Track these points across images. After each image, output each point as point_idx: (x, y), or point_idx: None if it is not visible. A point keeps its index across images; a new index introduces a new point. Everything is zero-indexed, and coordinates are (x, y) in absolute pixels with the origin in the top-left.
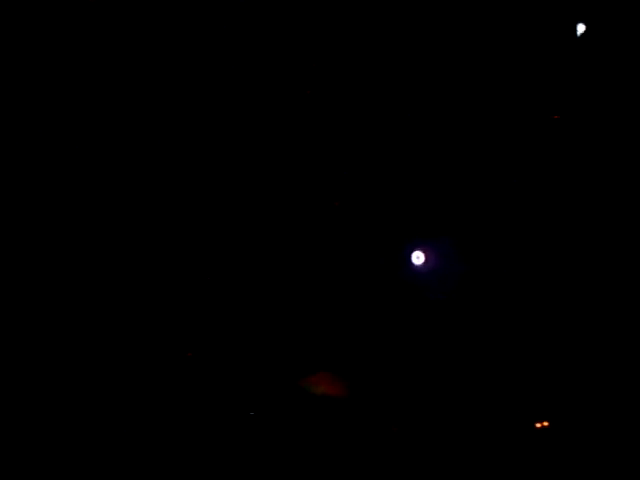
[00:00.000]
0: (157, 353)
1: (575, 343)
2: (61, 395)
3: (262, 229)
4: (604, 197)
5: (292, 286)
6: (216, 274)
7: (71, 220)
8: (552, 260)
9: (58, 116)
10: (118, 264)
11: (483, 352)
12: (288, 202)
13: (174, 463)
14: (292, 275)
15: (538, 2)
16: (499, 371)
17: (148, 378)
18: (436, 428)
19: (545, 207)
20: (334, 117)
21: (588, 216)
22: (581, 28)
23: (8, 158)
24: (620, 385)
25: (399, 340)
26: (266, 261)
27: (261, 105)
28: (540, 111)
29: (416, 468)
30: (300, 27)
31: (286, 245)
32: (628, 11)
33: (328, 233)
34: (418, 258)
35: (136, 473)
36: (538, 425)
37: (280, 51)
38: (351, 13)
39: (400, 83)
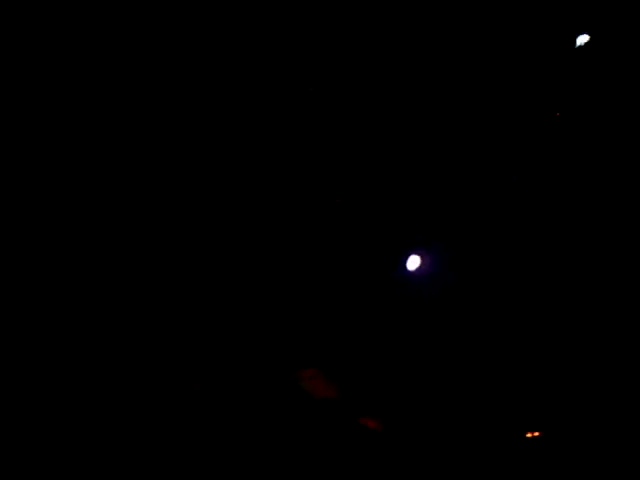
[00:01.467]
0: (158, 351)
1: (576, 347)
2: (61, 394)
3: (251, 232)
4: (606, 197)
5: (286, 288)
6: (214, 273)
7: (71, 220)
8: (553, 263)
9: (58, 116)
10: (118, 263)
11: (479, 356)
12: (286, 203)
13: (174, 463)
14: (286, 277)
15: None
16: (497, 375)
17: (149, 376)
18: (429, 431)
19: (546, 206)
20: (335, 116)
21: (589, 216)
22: (583, 38)
23: (8, 158)
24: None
25: (394, 342)
26: (259, 263)
27: (262, 103)
28: (541, 109)
29: (406, 470)
30: (300, 26)
31: (281, 247)
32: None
33: (325, 232)
34: (413, 262)
35: (136, 473)
36: (530, 434)
37: (281, 49)
38: (352, 13)
39: (400, 82)
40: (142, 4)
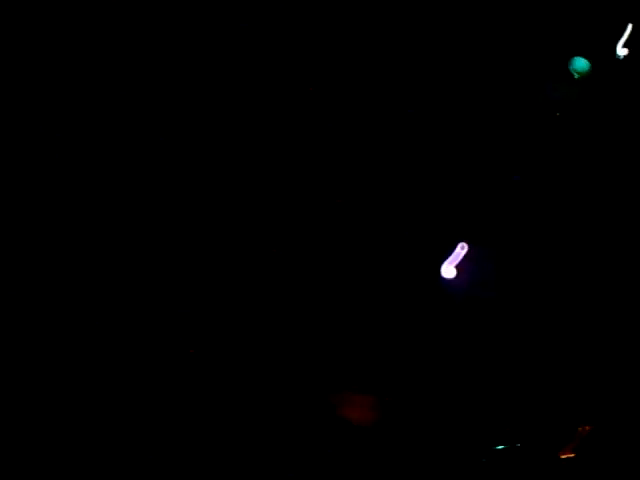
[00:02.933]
0: (159, 349)
1: (578, 341)
2: (61, 395)
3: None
4: (606, 195)
5: (307, 291)
6: (222, 270)
7: (71, 220)
8: (556, 261)
9: (58, 116)
10: (118, 263)
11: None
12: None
13: (174, 463)
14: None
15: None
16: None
17: (150, 375)
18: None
19: (547, 205)
20: (335, 116)
21: (590, 214)
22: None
23: (8, 158)
24: None
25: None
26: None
27: (263, 103)
28: (541, 108)
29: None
30: (301, 25)
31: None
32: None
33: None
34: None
35: (136, 473)
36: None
37: (281, 49)
38: (351, 13)
39: (402, 81)
40: (143, 4)
